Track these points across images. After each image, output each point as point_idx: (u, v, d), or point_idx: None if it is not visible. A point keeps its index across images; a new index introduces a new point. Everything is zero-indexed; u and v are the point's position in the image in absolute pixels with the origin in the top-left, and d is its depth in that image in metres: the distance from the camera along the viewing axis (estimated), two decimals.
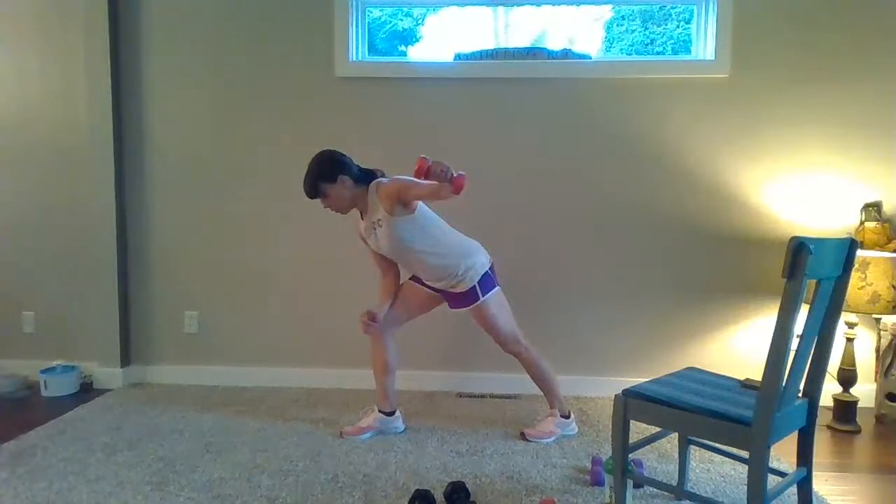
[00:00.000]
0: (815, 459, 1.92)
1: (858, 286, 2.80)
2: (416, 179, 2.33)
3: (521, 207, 3.30)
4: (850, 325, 2.94)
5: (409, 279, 2.75)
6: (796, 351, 1.71)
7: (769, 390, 1.62)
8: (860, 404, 2.95)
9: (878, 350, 3.12)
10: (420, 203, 2.53)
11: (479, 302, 2.60)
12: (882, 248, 3.00)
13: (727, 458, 2.13)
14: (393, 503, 2.13)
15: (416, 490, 2.08)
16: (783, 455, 2.53)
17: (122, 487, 2.23)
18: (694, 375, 2.07)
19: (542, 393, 2.78)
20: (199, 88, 3.36)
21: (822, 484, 2.33)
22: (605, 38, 3.49)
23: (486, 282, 2.61)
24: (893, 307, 2.78)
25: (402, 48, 3.59)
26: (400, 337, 2.83)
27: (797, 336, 1.68)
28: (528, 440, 2.69)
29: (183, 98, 3.37)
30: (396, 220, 2.47)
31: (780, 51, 3.15)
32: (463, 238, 2.63)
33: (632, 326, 3.31)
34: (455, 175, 2.21)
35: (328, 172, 2.48)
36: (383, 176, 2.59)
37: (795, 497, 1.95)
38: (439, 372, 3.38)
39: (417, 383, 3.34)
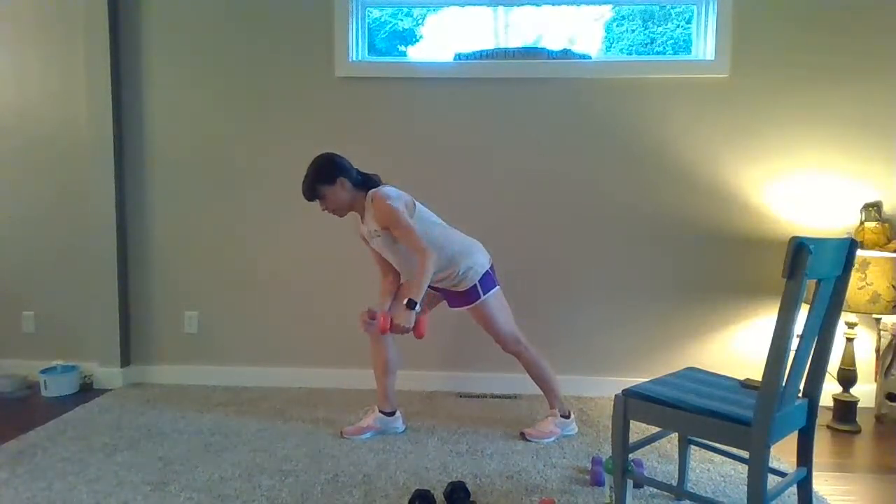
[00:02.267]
0: (815, 459, 1.93)
1: (858, 286, 2.80)
2: (404, 218, 2.43)
3: (521, 207, 3.30)
4: (850, 325, 2.94)
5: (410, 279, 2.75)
6: (796, 351, 1.71)
7: (769, 390, 1.62)
8: (860, 404, 2.95)
9: (878, 350, 3.12)
10: (419, 207, 2.55)
11: (479, 301, 2.60)
12: (882, 248, 3.00)
13: (727, 458, 2.13)
14: (393, 503, 2.13)
15: (416, 490, 2.08)
16: (783, 455, 2.54)
17: (122, 487, 2.23)
18: (694, 375, 2.07)
19: (542, 393, 2.78)
20: (199, 88, 3.36)
21: (822, 484, 2.33)
22: (605, 38, 3.49)
23: (487, 281, 2.61)
24: (893, 307, 2.78)
25: (402, 48, 3.58)
26: (400, 337, 2.82)
27: (797, 336, 1.68)
28: (528, 440, 2.69)
29: (183, 98, 3.37)
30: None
31: (780, 51, 3.15)
32: (463, 237, 2.63)
33: (632, 326, 3.31)
34: (416, 322, 2.42)
35: (327, 175, 2.48)
36: (380, 181, 2.59)
37: (795, 497, 1.95)
38: (439, 372, 3.38)
39: (417, 383, 3.34)
